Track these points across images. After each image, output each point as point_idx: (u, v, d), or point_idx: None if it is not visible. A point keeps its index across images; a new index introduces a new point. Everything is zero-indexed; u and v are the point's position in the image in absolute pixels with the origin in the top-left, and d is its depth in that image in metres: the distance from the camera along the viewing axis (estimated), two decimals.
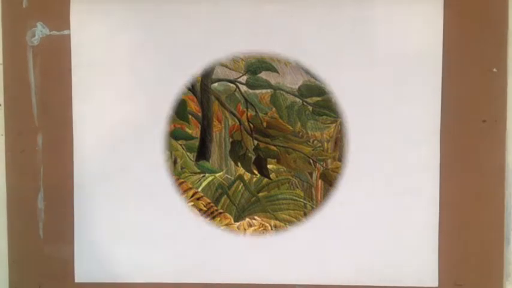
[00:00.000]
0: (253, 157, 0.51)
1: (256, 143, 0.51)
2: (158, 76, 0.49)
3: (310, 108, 0.50)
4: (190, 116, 0.50)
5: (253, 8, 0.49)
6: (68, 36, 0.50)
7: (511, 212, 0.49)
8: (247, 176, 0.51)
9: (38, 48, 0.50)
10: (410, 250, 0.49)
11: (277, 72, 0.49)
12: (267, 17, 0.49)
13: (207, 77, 0.50)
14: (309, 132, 0.50)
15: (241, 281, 0.50)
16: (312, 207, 0.50)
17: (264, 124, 0.50)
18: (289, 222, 0.51)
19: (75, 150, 0.50)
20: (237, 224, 0.51)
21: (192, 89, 0.50)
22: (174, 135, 0.50)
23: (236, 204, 0.51)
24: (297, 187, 0.50)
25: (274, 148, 0.50)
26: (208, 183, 0.51)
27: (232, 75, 0.50)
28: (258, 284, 0.50)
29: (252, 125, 0.51)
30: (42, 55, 0.50)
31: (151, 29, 0.49)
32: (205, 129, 0.51)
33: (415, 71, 0.49)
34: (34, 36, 0.50)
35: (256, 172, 0.51)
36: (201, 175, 0.51)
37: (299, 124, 0.50)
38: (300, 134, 0.50)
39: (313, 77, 0.49)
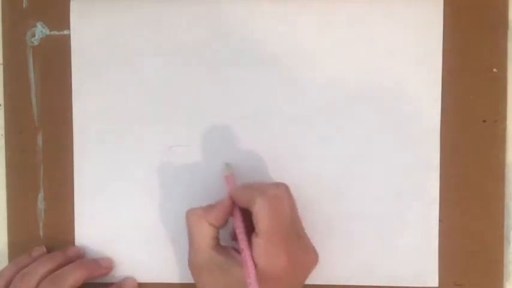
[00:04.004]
0: None
1: None
2: (158, 76, 0.49)
3: None
4: None
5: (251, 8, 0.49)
6: (68, 36, 0.50)
7: (511, 212, 0.49)
8: None
9: (38, 48, 0.50)
10: (410, 250, 0.49)
11: None
12: (266, 16, 0.49)
13: None
14: None
15: None
16: None
17: None
18: None
19: (75, 150, 0.50)
20: None
21: None
22: None
23: None
24: None
25: None
26: None
27: None
28: None
29: None
30: (42, 55, 0.50)
31: (152, 29, 0.49)
32: None
33: (415, 71, 0.49)
34: (34, 36, 0.50)
35: None
36: None
37: None
38: None
39: None
